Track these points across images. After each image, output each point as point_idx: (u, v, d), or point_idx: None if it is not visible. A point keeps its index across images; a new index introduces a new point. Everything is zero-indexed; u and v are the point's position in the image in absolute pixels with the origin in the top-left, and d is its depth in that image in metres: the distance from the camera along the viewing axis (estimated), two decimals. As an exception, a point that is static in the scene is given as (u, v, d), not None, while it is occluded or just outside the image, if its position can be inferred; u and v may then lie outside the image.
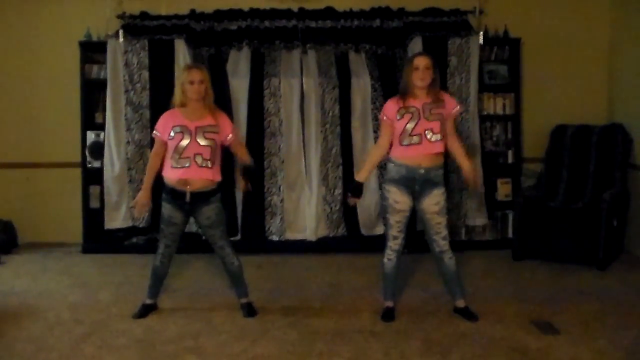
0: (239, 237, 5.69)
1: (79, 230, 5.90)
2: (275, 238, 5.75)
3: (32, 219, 6.11)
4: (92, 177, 5.83)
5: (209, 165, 3.82)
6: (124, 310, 4.15)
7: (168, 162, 3.85)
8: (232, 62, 5.78)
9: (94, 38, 5.86)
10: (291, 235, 5.77)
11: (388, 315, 3.97)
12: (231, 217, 5.47)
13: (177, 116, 3.85)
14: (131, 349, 3.54)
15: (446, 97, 3.92)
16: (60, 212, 6.08)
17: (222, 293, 4.50)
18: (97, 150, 5.78)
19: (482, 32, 5.72)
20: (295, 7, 5.80)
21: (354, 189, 4.03)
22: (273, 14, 5.80)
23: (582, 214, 5.21)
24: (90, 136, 5.82)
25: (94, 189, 5.87)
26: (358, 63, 5.81)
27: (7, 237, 5.89)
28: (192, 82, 3.80)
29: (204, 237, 4.29)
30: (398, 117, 3.80)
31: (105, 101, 5.69)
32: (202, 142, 3.79)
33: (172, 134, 3.81)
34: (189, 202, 3.83)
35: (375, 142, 5.51)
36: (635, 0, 5.62)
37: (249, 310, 4.06)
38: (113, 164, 5.68)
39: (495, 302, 4.26)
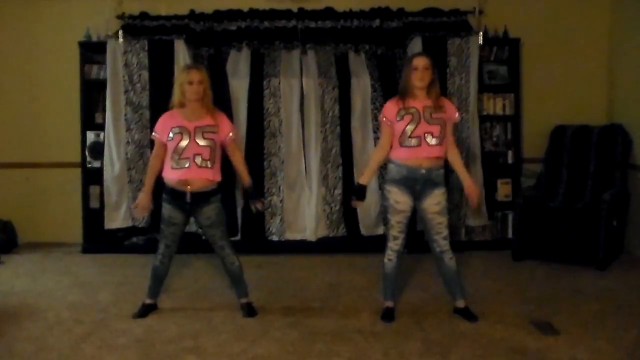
0: (239, 237, 5.69)
1: (78, 230, 5.90)
2: (275, 238, 5.76)
3: (32, 219, 6.11)
4: (92, 177, 5.83)
5: (209, 166, 3.82)
6: (124, 310, 4.15)
7: (168, 163, 3.85)
8: (231, 62, 5.79)
9: (94, 38, 5.87)
10: (291, 236, 5.78)
11: (388, 315, 3.97)
12: (231, 217, 5.47)
13: (175, 117, 3.85)
14: (131, 348, 3.54)
15: (447, 104, 3.91)
16: (60, 212, 6.08)
17: (222, 293, 4.50)
18: (97, 150, 5.78)
19: (481, 33, 5.73)
20: (294, 8, 5.80)
21: (357, 191, 4.03)
22: (273, 14, 5.80)
23: (582, 214, 5.22)
24: (90, 136, 5.83)
25: (94, 189, 5.87)
26: (358, 63, 5.81)
27: (7, 237, 5.89)
28: (191, 83, 3.80)
29: (204, 237, 4.29)
30: (398, 118, 3.80)
31: (105, 101, 5.70)
32: (201, 142, 3.79)
33: (171, 135, 3.81)
34: (189, 202, 3.83)
35: (375, 142, 5.55)
36: (635, 0, 5.62)
37: (249, 310, 4.06)
38: (113, 164, 5.69)
39: (495, 303, 4.26)
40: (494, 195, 5.93)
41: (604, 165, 5.53)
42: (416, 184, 3.81)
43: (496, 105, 5.95)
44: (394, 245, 3.92)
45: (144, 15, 5.79)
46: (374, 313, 4.04)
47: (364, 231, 5.75)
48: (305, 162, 5.76)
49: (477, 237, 5.91)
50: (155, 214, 4.05)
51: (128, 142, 5.67)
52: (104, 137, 5.72)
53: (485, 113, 5.91)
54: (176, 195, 3.84)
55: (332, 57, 5.83)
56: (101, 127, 5.76)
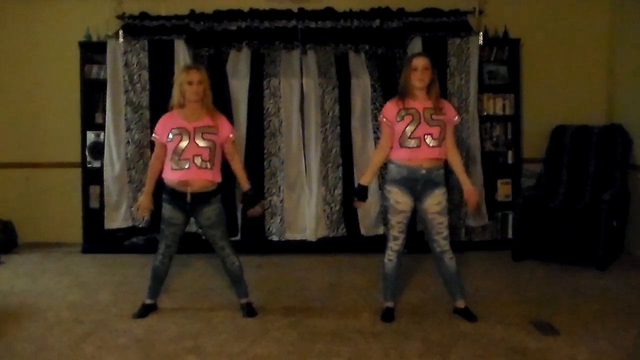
0: (239, 237, 5.69)
1: (78, 230, 5.90)
2: (275, 238, 5.75)
3: (32, 219, 6.11)
4: (92, 177, 5.83)
5: (208, 167, 3.82)
6: (124, 310, 4.15)
7: (168, 164, 3.85)
8: (231, 62, 5.79)
9: (94, 38, 5.87)
10: (291, 236, 5.77)
11: (388, 315, 3.97)
12: (231, 217, 5.47)
13: (175, 118, 3.85)
14: (131, 349, 3.54)
15: (446, 106, 3.91)
16: (60, 212, 6.08)
17: (222, 293, 4.50)
18: (97, 150, 5.78)
19: (481, 33, 5.73)
20: (294, 8, 5.80)
21: (359, 192, 4.03)
22: (273, 14, 5.80)
23: (581, 214, 5.22)
24: (90, 136, 5.83)
25: (94, 189, 5.87)
26: (358, 63, 5.81)
27: (6, 237, 5.89)
28: (190, 83, 3.80)
29: (204, 237, 4.29)
30: (398, 119, 3.80)
31: (105, 101, 5.70)
32: (201, 143, 3.79)
33: (170, 136, 3.80)
34: (189, 202, 3.82)
35: (375, 142, 5.54)
36: (635, 0, 5.62)
37: (249, 311, 4.06)
38: (113, 164, 5.69)
39: (495, 303, 4.26)
40: (494, 195, 5.93)
41: (604, 166, 5.54)
42: (417, 184, 3.81)
43: (496, 106, 5.95)
44: (394, 245, 3.92)
45: (144, 15, 5.79)
46: (374, 313, 4.04)
47: (364, 231, 5.75)
48: (305, 162, 5.75)
49: (477, 237, 5.91)
50: (155, 214, 4.05)
51: (128, 142, 5.67)
52: (104, 137, 5.72)
53: (485, 113, 5.91)
54: (176, 196, 3.84)
55: (332, 57, 5.83)
56: (101, 127, 5.76)
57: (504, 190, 5.97)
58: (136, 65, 5.64)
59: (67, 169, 5.98)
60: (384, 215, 4.30)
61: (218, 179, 3.91)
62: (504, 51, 5.97)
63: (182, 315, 4.09)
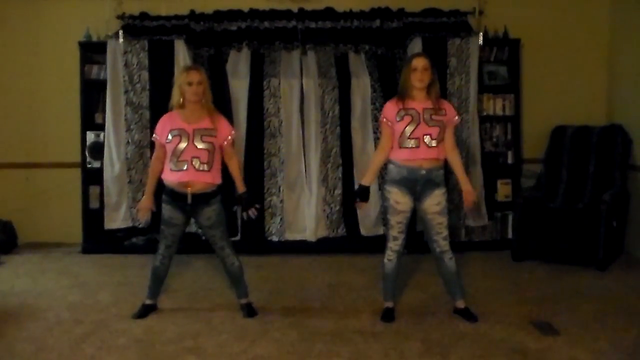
0: (238, 237, 5.69)
1: (78, 230, 5.90)
2: (275, 238, 5.75)
3: (32, 219, 6.11)
4: (92, 178, 5.83)
5: (206, 169, 3.81)
6: (124, 310, 4.15)
7: (167, 165, 3.85)
8: (231, 62, 5.79)
9: (94, 38, 5.87)
10: (291, 236, 5.77)
11: (388, 315, 3.97)
12: (231, 217, 5.47)
13: (175, 119, 3.85)
14: (131, 349, 3.54)
15: (447, 106, 3.91)
16: (60, 212, 6.08)
17: (222, 293, 4.50)
18: (97, 150, 5.78)
19: (481, 33, 5.73)
20: (294, 8, 5.80)
21: (360, 193, 4.03)
22: (273, 14, 5.80)
23: (581, 214, 5.22)
24: (90, 136, 5.83)
25: (94, 189, 5.87)
26: (358, 64, 5.81)
27: (6, 237, 5.89)
28: (190, 84, 3.79)
29: (204, 238, 4.29)
30: (397, 119, 3.80)
31: (105, 101, 5.70)
32: (200, 145, 3.78)
33: (169, 137, 3.80)
34: (190, 203, 3.82)
35: (375, 142, 5.55)
36: (635, 0, 5.62)
37: (249, 311, 4.06)
38: (113, 165, 5.69)
39: (495, 303, 4.26)
40: (494, 195, 5.93)
41: (603, 166, 5.54)
42: (416, 185, 3.81)
43: (496, 106, 5.95)
44: (393, 245, 3.92)
45: (144, 16, 5.79)
46: (374, 313, 4.04)
47: (363, 231, 5.75)
48: (305, 163, 5.76)
49: (477, 237, 5.91)
50: (155, 214, 4.05)
51: (128, 142, 5.67)
52: (104, 138, 5.72)
53: (485, 113, 5.91)
54: (177, 197, 3.83)
55: (332, 58, 5.83)
56: (101, 128, 5.76)
57: (503, 190, 5.97)
58: (136, 66, 5.64)
59: (67, 169, 5.98)
60: (383, 215, 4.30)
61: (218, 180, 3.91)
62: (504, 51, 5.97)
63: (182, 315, 4.08)
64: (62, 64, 5.97)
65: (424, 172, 3.79)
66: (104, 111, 5.76)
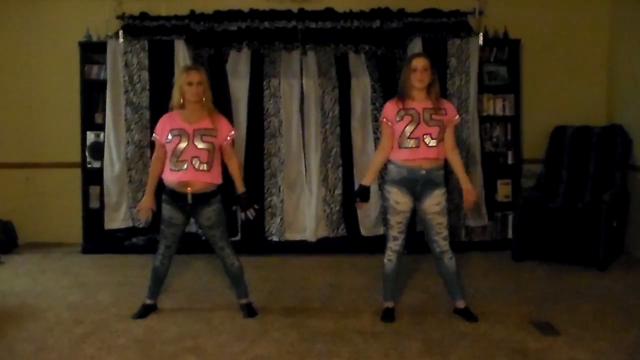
0: (239, 237, 5.69)
1: (78, 230, 5.90)
2: (275, 239, 5.75)
3: (32, 219, 6.11)
4: (92, 178, 5.83)
5: (206, 169, 3.81)
6: (124, 310, 4.15)
7: (167, 165, 3.85)
8: (231, 62, 5.79)
9: (94, 38, 5.87)
10: (291, 236, 5.78)
11: (388, 315, 3.97)
12: (231, 217, 5.47)
13: (175, 119, 3.85)
14: (131, 349, 3.54)
15: (447, 106, 3.91)
16: (60, 212, 6.08)
17: (222, 293, 4.50)
18: (97, 150, 5.78)
19: (481, 33, 5.73)
20: (294, 8, 5.80)
21: (361, 193, 4.03)
22: (273, 14, 5.80)
23: (581, 214, 5.22)
24: (90, 136, 5.83)
25: (94, 189, 5.87)
26: (358, 64, 5.81)
27: (7, 237, 5.89)
28: (190, 84, 3.80)
29: (204, 238, 4.29)
30: (397, 119, 3.80)
31: (105, 101, 5.70)
32: (200, 145, 3.79)
33: (169, 137, 3.80)
34: (190, 203, 3.82)
35: (375, 143, 5.55)
36: (635, 0, 5.62)
37: (249, 311, 4.06)
38: (113, 165, 5.69)
39: (495, 303, 4.26)
40: (494, 195, 5.93)
41: (604, 166, 5.54)
42: (416, 185, 3.81)
43: (496, 106, 5.95)
44: (393, 245, 3.92)
45: (144, 16, 5.79)
46: (374, 313, 4.04)
47: (364, 232, 5.75)
48: (305, 163, 5.76)
49: (477, 237, 5.91)
50: (155, 214, 4.05)
51: (128, 142, 5.67)
52: (104, 138, 5.72)
53: (485, 114, 5.91)
54: (177, 197, 3.84)
55: (332, 58, 5.83)
56: (101, 128, 5.77)
57: (504, 190, 5.97)
58: (136, 66, 5.64)
59: (67, 169, 5.98)
60: (383, 215, 4.30)
61: (218, 180, 3.91)
62: (504, 52, 5.97)
63: (182, 315, 4.08)
64: (62, 64, 5.97)
65: (423, 172, 3.79)
66: (104, 111, 5.76)
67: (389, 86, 5.55)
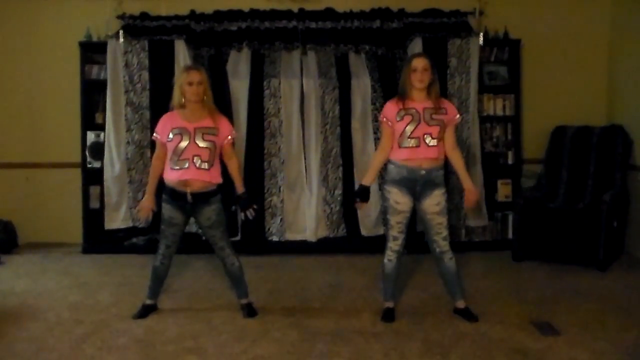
0: (239, 237, 5.69)
1: (79, 230, 5.91)
2: (275, 239, 5.76)
3: (32, 219, 6.11)
4: (92, 178, 5.84)
5: (207, 167, 3.81)
6: (124, 310, 4.15)
7: (168, 164, 3.85)
8: (232, 62, 5.79)
9: (94, 38, 5.87)
10: (291, 236, 5.78)
11: (388, 315, 3.97)
12: (231, 217, 5.47)
13: (175, 118, 3.85)
14: (131, 349, 3.54)
15: (447, 105, 3.91)
16: (60, 213, 6.08)
17: (222, 293, 4.50)
18: (97, 150, 5.79)
19: (482, 33, 5.72)
20: (295, 8, 5.80)
21: (361, 193, 4.03)
22: (273, 14, 5.80)
23: (582, 215, 5.22)
24: (91, 136, 5.83)
25: (94, 190, 5.88)
26: (358, 64, 5.81)
27: (7, 237, 5.89)
28: (190, 84, 3.80)
29: (204, 238, 4.29)
30: (398, 119, 3.80)
31: (106, 101, 5.70)
32: (201, 144, 3.79)
33: (170, 136, 3.80)
34: (190, 203, 3.82)
35: (375, 143, 5.55)
36: (635, 0, 5.62)
37: (249, 311, 4.07)
38: (113, 165, 5.69)
39: (495, 303, 4.26)
40: (494, 195, 5.94)
41: (604, 166, 5.54)
42: (416, 185, 3.81)
43: (496, 106, 5.95)
44: (393, 245, 3.92)
45: (144, 16, 5.79)
46: (374, 313, 4.04)
47: (364, 232, 5.75)
48: (305, 163, 5.76)
49: (477, 237, 5.91)
50: (156, 214, 4.05)
51: (128, 142, 5.67)
52: (104, 138, 5.72)
53: (485, 114, 5.91)
54: (176, 196, 3.84)
55: (332, 58, 5.83)
56: (101, 128, 5.77)
57: (504, 190, 5.97)
58: (136, 66, 5.64)
59: (67, 169, 5.98)
60: (383, 215, 4.30)
61: (218, 179, 3.91)
62: (504, 52, 5.97)
63: (183, 315, 4.09)
64: (62, 64, 5.97)
65: (423, 172, 3.79)
66: (104, 111, 5.76)
67: (389, 86, 5.55)
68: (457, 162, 3.96)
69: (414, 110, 3.78)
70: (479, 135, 5.76)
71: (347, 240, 5.79)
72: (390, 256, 3.94)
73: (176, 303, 4.33)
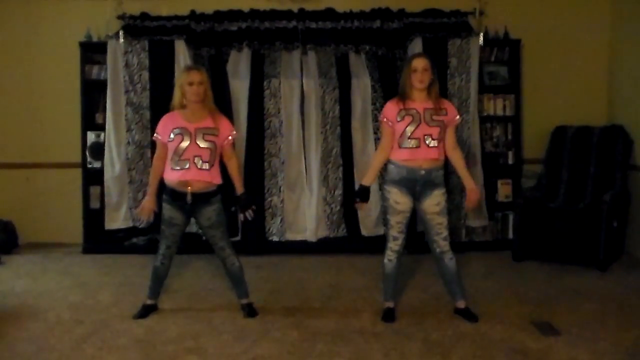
0: (239, 237, 5.69)
1: (79, 230, 5.91)
2: (275, 239, 5.76)
3: (32, 219, 6.11)
4: (93, 178, 5.84)
5: (208, 168, 3.81)
6: (124, 310, 4.15)
7: (168, 164, 3.85)
8: (232, 63, 5.79)
9: (95, 39, 5.87)
10: (291, 236, 5.78)
11: (388, 315, 3.97)
12: (231, 217, 5.46)
13: (176, 118, 3.85)
14: (131, 349, 3.54)
15: (447, 106, 3.90)
16: (60, 213, 6.08)
17: (223, 293, 4.50)
18: (98, 150, 5.79)
19: (482, 33, 5.73)
20: (295, 8, 5.80)
21: (361, 193, 4.03)
22: (273, 14, 5.80)
23: (582, 215, 5.22)
24: (91, 137, 5.83)
25: (94, 190, 5.88)
26: (358, 64, 5.81)
27: (7, 237, 5.89)
28: (191, 84, 3.80)
29: (204, 238, 4.29)
30: (398, 119, 3.80)
31: (106, 102, 5.70)
32: (202, 144, 3.79)
33: (171, 136, 3.80)
34: (190, 203, 3.82)
35: (375, 143, 5.55)
36: (635, 0, 5.62)
37: (250, 311, 4.07)
38: (113, 165, 5.69)
39: (496, 303, 4.26)
40: (495, 195, 5.94)
41: (604, 166, 5.54)
42: (416, 185, 3.81)
43: (496, 106, 5.96)
44: (394, 245, 3.92)
45: (144, 16, 5.79)
46: (374, 313, 4.04)
47: (364, 232, 5.75)
48: (305, 163, 5.76)
49: (478, 237, 5.91)
50: (156, 214, 4.05)
51: (128, 142, 5.67)
52: (105, 138, 5.73)
53: (485, 114, 5.92)
54: (177, 196, 3.84)
55: (332, 58, 5.83)
56: (102, 128, 5.77)
57: (504, 190, 5.98)
58: (137, 66, 5.64)
59: (68, 169, 5.99)
60: (383, 215, 4.30)
61: (218, 180, 3.91)
62: (505, 52, 5.97)
63: (183, 315, 4.09)
64: (63, 64, 5.97)
65: (423, 172, 3.79)
66: (104, 111, 5.76)
67: (390, 86, 5.55)
68: (458, 162, 3.96)
69: (415, 111, 3.78)
70: (479, 136, 5.76)
71: (347, 241, 5.79)
72: (390, 256, 3.94)
73: (176, 303, 4.33)
